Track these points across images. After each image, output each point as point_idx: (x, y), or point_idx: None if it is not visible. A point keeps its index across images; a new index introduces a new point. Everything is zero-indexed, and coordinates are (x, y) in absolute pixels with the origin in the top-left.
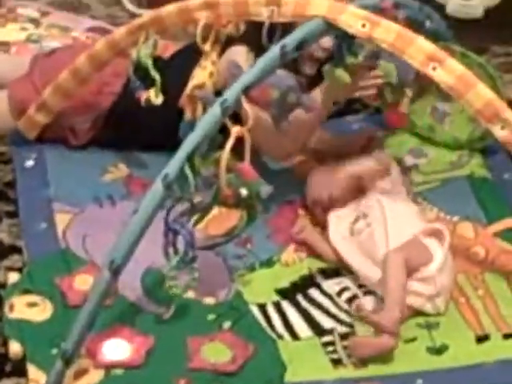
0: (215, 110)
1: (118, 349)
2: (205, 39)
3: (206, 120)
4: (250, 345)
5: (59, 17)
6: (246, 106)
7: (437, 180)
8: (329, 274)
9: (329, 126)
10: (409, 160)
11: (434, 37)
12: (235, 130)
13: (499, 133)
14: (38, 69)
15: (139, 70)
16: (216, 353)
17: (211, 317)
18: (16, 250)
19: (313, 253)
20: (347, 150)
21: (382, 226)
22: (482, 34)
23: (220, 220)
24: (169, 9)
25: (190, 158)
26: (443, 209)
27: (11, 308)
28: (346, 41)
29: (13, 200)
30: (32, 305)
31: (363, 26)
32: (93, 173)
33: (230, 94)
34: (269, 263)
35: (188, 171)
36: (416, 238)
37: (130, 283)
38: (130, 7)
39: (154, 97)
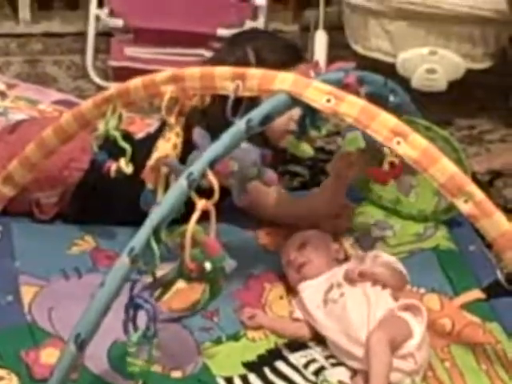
0: (182, 183)
1: None
2: (169, 111)
3: (173, 192)
4: None
5: (26, 89)
6: (212, 180)
7: (403, 252)
8: (295, 347)
9: None
10: (375, 232)
11: (398, 111)
12: (201, 204)
13: (463, 206)
14: (3, 143)
15: (107, 142)
16: None
17: None
18: None
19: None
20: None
21: (358, 297)
22: (445, 107)
23: (183, 294)
24: (135, 82)
25: (156, 231)
26: (409, 281)
27: None
28: (309, 114)
29: None
30: None
31: (328, 100)
32: (59, 245)
33: (196, 168)
34: (235, 337)
35: (154, 244)
36: (392, 312)
37: (96, 357)
38: (97, 80)
39: (124, 166)
